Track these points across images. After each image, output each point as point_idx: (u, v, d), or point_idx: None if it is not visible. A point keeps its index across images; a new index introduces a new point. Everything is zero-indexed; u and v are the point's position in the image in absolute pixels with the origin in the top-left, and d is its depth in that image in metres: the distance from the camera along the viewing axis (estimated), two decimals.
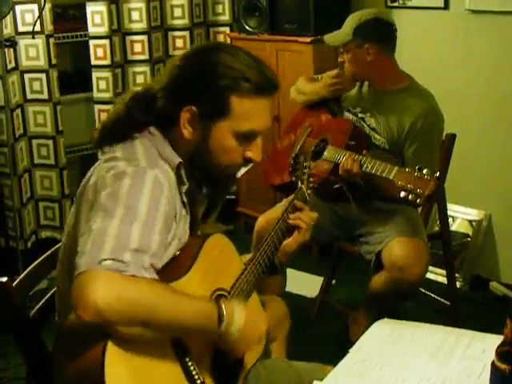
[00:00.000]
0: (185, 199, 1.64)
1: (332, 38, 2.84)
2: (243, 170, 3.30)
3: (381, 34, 2.74)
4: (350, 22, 2.75)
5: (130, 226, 1.41)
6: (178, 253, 1.62)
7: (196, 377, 1.50)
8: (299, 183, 2.04)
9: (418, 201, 2.25)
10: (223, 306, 1.47)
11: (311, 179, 2.05)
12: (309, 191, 2.03)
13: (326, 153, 2.74)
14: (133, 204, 1.44)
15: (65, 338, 1.45)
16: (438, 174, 2.29)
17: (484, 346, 1.57)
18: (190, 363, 1.50)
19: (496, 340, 1.35)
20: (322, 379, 1.49)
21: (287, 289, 2.78)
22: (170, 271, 1.56)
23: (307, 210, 1.94)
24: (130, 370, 1.38)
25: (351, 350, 1.61)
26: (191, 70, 1.61)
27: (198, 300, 1.48)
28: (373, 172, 2.47)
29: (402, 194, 2.28)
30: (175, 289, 1.44)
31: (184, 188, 1.63)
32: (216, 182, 1.70)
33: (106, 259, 1.35)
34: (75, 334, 1.41)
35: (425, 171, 2.25)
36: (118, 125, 1.65)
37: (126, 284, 1.34)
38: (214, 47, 1.68)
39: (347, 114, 2.87)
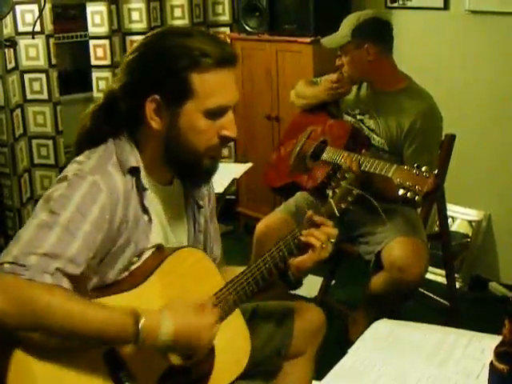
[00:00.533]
0: (146, 204, 1.59)
1: (329, 40, 2.82)
2: (242, 171, 3.32)
3: (380, 33, 2.74)
4: (348, 23, 2.74)
5: (47, 231, 1.41)
6: (136, 261, 1.58)
7: None
8: (329, 195, 1.87)
9: (416, 198, 2.24)
10: (144, 317, 1.41)
11: (354, 192, 1.85)
12: (343, 205, 1.84)
13: (325, 154, 2.74)
14: (57, 209, 1.44)
15: None
16: (436, 171, 2.28)
17: (483, 346, 1.57)
18: (124, 379, 1.46)
19: (495, 340, 1.35)
20: None
21: None
22: (127, 280, 1.54)
23: (328, 225, 1.76)
24: (43, 378, 1.35)
25: (350, 350, 1.61)
26: (146, 59, 1.56)
27: (113, 310, 1.42)
28: (371, 171, 2.47)
29: (401, 191, 2.26)
30: (84, 298, 1.41)
31: (146, 193, 1.59)
32: (197, 167, 1.61)
33: (7, 262, 1.36)
34: None
35: (423, 169, 2.23)
36: (89, 140, 1.63)
37: (18, 287, 1.34)
38: (164, 32, 1.63)
39: (346, 117, 2.88)
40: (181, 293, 1.58)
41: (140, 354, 1.47)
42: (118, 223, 1.52)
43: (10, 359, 1.33)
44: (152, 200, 1.62)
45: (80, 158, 1.58)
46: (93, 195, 1.48)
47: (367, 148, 2.66)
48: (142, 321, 1.41)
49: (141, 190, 1.58)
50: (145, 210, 1.59)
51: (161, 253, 1.62)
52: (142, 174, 1.59)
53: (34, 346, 1.35)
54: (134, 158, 1.58)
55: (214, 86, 1.54)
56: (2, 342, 1.36)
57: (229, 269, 1.85)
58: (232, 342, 1.70)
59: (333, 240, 1.76)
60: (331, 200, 1.85)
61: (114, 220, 1.51)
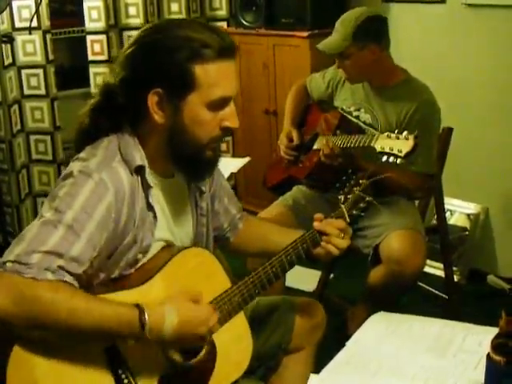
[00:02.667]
0: (152, 202, 1.58)
1: (329, 45, 2.74)
2: (240, 165, 3.33)
3: (380, 31, 2.73)
4: (345, 25, 2.68)
5: (51, 229, 1.40)
6: (140, 258, 1.58)
7: None
8: (341, 200, 1.88)
9: (397, 161, 2.29)
10: (147, 312, 1.42)
11: (366, 199, 1.87)
12: (355, 212, 1.87)
13: (315, 144, 2.80)
14: (63, 207, 1.43)
15: None
16: (416, 133, 2.31)
17: (480, 338, 1.58)
18: (123, 376, 1.45)
19: (492, 333, 1.36)
20: None
21: (286, 283, 2.79)
22: (132, 277, 1.54)
23: (336, 225, 1.82)
24: (42, 373, 1.35)
25: (348, 344, 1.61)
26: (146, 52, 1.54)
27: (118, 305, 1.42)
28: (356, 145, 2.50)
29: (384, 158, 2.32)
30: (88, 294, 1.40)
31: (150, 191, 1.58)
32: (200, 160, 1.61)
33: (9, 261, 1.35)
34: None
35: (404, 133, 2.30)
36: (88, 137, 1.62)
37: (24, 286, 1.33)
38: (162, 24, 1.63)
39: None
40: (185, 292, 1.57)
41: (141, 351, 1.47)
42: (124, 222, 1.51)
43: (10, 355, 1.33)
44: (156, 196, 1.61)
45: (83, 154, 1.56)
46: (99, 194, 1.46)
47: (358, 133, 2.69)
48: (147, 314, 1.41)
49: (146, 187, 1.57)
50: (150, 208, 1.58)
51: (167, 252, 1.62)
52: (147, 171, 1.57)
53: (33, 342, 1.35)
54: (139, 155, 1.56)
55: (216, 77, 1.52)
56: (1, 338, 1.36)
57: (255, 221, 2.00)
58: (234, 344, 1.69)
59: (345, 234, 1.82)
60: (342, 206, 1.86)
61: (121, 219, 1.50)
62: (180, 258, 1.59)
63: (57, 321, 1.34)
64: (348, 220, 1.85)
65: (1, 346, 1.36)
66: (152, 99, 1.52)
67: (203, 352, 1.61)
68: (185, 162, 1.62)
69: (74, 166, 1.51)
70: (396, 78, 2.77)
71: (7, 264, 1.35)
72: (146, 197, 1.57)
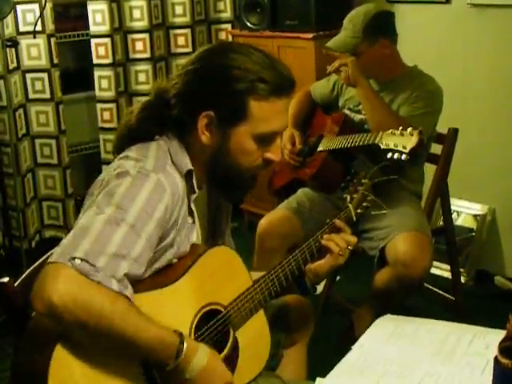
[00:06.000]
0: (193, 208, 1.61)
1: (339, 43, 2.74)
2: None
3: (388, 25, 2.75)
4: (353, 23, 2.70)
5: (115, 227, 1.40)
6: (174, 260, 1.59)
7: None
8: (348, 200, 1.94)
9: (403, 157, 2.30)
10: (186, 343, 1.43)
11: (368, 198, 1.95)
12: (359, 210, 1.94)
13: (320, 146, 2.81)
14: (125, 205, 1.43)
15: (24, 337, 1.45)
16: (420, 128, 2.33)
17: (487, 341, 1.57)
18: (157, 376, 1.46)
19: (499, 335, 1.35)
20: None
21: None
22: (160, 277, 1.54)
23: (347, 232, 1.86)
24: (81, 375, 1.36)
25: (354, 347, 1.61)
26: (205, 74, 1.57)
27: (162, 328, 1.42)
28: (357, 144, 2.52)
29: (389, 155, 2.34)
30: (141, 310, 1.40)
31: (193, 196, 1.61)
32: (238, 183, 1.66)
33: (78, 258, 1.34)
34: (31, 333, 1.41)
35: (409, 130, 2.30)
36: (132, 136, 1.62)
37: (87, 288, 1.33)
38: (225, 48, 1.64)
39: (348, 112, 2.87)
40: (214, 291, 1.61)
41: None
42: (172, 224, 1.53)
43: (52, 353, 1.33)
44: (196, 202, 1.64)
45: (133, 154, 1.56)
46: (159, 194, 1.48)
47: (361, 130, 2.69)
48: (186, 343, 1.42)
49: (189, 192, 1.60)
50: (190, 212, 1.61)
51: (194, 251, 1.63)
52: (193, 177, 1.61)
53: (74, 343, 1.36)
54: (188, 160, 1.60)
55: (269, 114, 1.56)
56: (45, 336, 1.36)
57: None
58: (255, 340, 1.72)
59: (351, 247, 1.84)
60: (350, 205, 1.91)
61: (171, 220, 1.52)
62: (208, 256, 1.61)
63: (108, 330, 1.35)
64: (355, 219, 1.91)
65: (45, 342, 1.36)
66: (202, 121, 1.56)
67: (227, 348, 1.64)
68: (222, 182, 1.66)
69: (128, 165, 1.51)
70: (402, 70, 2.80)
71: (76, 261, 1.34)
72: (188, 201, 1.60)
